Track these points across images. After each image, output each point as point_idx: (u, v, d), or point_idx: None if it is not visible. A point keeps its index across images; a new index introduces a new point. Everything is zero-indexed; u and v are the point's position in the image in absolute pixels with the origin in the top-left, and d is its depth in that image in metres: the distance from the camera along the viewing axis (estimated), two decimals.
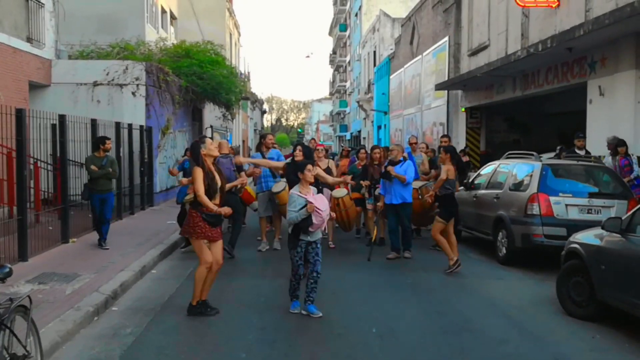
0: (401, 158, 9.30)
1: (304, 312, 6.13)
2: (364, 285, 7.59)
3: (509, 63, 13.34)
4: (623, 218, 5.83)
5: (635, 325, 5.86)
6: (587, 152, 10.61)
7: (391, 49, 31.25)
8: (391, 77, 30.79)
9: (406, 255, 9.26)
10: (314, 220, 5.94)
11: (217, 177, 6.02)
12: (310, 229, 6.01)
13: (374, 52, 39.22)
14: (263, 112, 64.64)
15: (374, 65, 38.14)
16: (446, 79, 19.46)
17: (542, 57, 12.08)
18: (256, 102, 54.25)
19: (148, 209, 14.91)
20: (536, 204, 8.55)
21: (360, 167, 10.69)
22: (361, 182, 10.04)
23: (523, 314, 6.46)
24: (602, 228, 6.07)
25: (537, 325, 6.04)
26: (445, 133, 18.30)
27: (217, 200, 6.00)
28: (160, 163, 16.34)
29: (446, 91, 20.03)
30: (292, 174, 7.49)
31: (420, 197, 9.82)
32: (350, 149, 16.09)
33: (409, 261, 9.14)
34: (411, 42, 25.97)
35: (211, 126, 25.19)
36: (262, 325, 5.85)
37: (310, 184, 6.24)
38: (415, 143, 12.04)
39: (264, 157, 9.28)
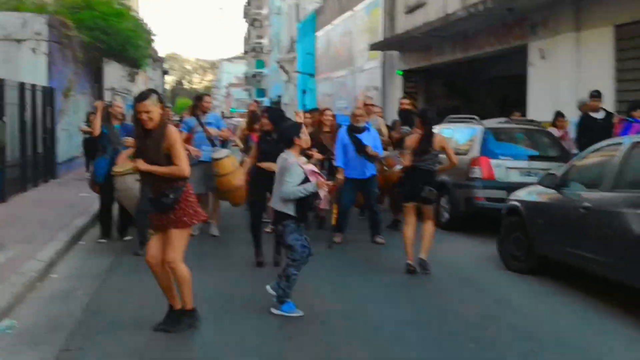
0: (366, 124, 9.05)
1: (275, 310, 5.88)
2: (322, 268, 7.66)
3: (448, 23, 14.69)
4: (558, 174, 7.26)
5: (573, 276, 7.24)
6: (608, 113, 10.13)
7: (317, 2, 32.00)
8: (317, 34, 31.55)
9: (379, 241, 9.13)
10: (321, 194, 5.85)
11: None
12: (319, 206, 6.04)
13: (297, 5, 39.96)
14: (164, 73, 64.09)
15: (297, 20, 38.88)
16: (381, 38, 20.59)
17: (483, 18, 13.49)
18: (157, 61, 53.89)
19: (51, 182, 15.38)
20: (478, 168, 9.96)
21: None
22: (310, 152, 8.12)
23: (465, 269, 7.83)
24: (539, 184, 7.51)
25: (479, 278, 7.43)
26: (373, 99, 19.44)
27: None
28: (62, 129, 16.78)
29: (381, 52, 21.22)
30: (269, 143, 7.36)
31: (386, 169, 9.89)
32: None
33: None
34: None
35: (113, 88, 25.42)
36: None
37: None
38: (372, 105, 11.22)
39: (200, 122, 9.36)
